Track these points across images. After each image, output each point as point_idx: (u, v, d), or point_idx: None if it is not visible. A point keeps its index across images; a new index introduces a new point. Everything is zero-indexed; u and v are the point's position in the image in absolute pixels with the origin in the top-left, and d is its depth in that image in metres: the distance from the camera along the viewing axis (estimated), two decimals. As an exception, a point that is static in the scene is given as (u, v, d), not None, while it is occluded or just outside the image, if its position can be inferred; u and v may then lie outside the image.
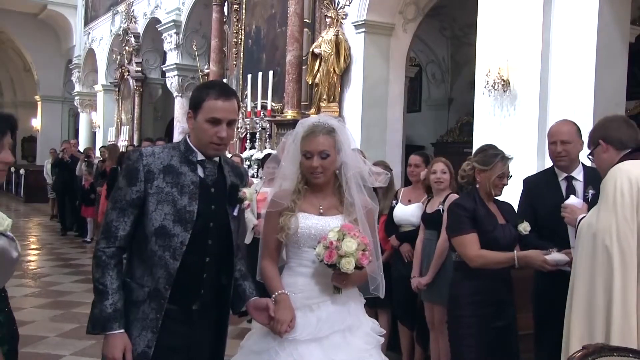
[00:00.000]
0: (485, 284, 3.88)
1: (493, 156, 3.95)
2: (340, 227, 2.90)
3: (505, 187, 3.99)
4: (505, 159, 3.95)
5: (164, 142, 10.66)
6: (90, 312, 2.70)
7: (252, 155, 10.73)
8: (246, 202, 2.90)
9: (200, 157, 2.80)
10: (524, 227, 3.99)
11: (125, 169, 2.74)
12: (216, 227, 2.82)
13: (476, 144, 7.13)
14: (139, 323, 2.69)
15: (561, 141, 4.13)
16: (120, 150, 14.21)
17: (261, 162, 8.75)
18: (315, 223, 3.01)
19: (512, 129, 6.70)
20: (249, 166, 10.66)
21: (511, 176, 4.01)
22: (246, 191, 2.90)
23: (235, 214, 2.89)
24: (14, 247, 2.49)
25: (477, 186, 4.02)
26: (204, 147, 2.79)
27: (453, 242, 4.04)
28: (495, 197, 4.07)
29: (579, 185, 4.15)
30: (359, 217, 3.05)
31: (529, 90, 6.58)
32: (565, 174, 4.18)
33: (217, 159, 2.87)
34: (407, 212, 5.59)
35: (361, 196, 3.08)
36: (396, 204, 5.69)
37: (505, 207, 4.11)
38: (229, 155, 9.40)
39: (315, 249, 2.93)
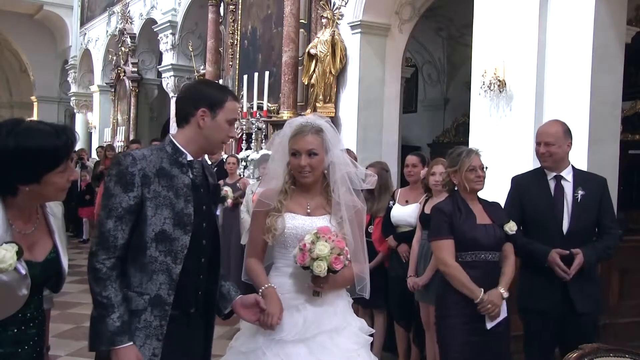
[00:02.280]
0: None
1: (458, 154, 4.05)
2: (317, 230, 2.91)
3: (483, 178, 4.01)
4: (470, 153, 4.03)
5: (159, 143, 10.63)
6: (92, 326, 2.58)
7: (248, 156, 10.73)
8: (229, 201, 2.91)
9: (189, 157, 2.76)
10: (510, 227, 4.01)
11: (118, 174, 2.62)
12: (208, 227, 2.81)
13: (472, 145, 7.13)
14: (141, 332, 2.61)
15: (545, 142, 4.16)
16: (116, 150, 14.21)
17: (258, 163, 8.74)
18: (302, 223, 3.01)
19: (508, 130, 6.70)
20: (245, 167, 10.65)
21: (487, 167, 4.06)
22: (227, 190, 2.91)
23: (217, 213, 2.89)
24: (24, 285, 2.26)
25: (456, 189, 4.08)
26: (213, 146, 2.80)
27: (431, 245, 4.16)
28: (481, 197, 4.12)
29: (567, 185, 4.16)
30: (345, 218, 3.06)
31: (525, 90, 6.58)
32: (554, 173, 4.19)
33: (200, 159, 2.85)
34: (404, 212, 5.58)
35: (349, 196, 3.08)
36: (393, 204, 5.69)
37: (492, 207, 4.13)
38: (224, 156, 9.42)
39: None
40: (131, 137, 16.70)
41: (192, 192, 2.73)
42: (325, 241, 2.84)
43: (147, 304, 2.62)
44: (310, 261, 2.83)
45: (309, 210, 3.05)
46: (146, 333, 2.61)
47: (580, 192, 4.12)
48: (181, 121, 2.78)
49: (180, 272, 2.66)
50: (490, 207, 4.11)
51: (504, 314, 3.91)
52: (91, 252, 2.62)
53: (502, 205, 4.29)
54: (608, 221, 4.21)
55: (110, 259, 2.59)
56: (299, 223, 3.01)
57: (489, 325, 3.86)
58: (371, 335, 3.16)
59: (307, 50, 9.85)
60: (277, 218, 3.01)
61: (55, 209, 2.52)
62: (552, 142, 4.14)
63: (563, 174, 4.19)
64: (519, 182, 4.40)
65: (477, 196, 4.11)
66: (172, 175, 2.69)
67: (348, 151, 7.04)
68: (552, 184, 4.19)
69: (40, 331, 2.47)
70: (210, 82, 3.07)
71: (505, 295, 3.90)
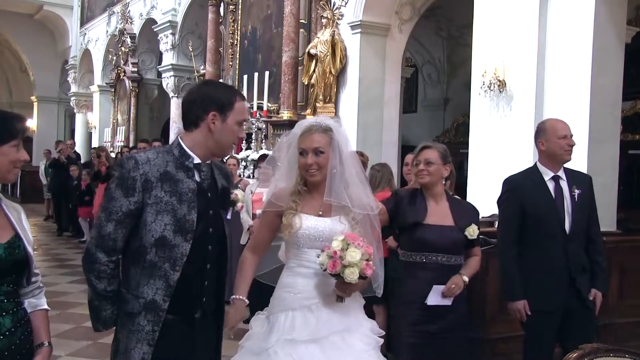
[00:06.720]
0: (419, 286, 3.79)
1: None
2: (345, 236, 2.87)
3: (425, 173, 3.83)
4: (415, 148, 3.99)
5: (160, 143, 10.66)
6: (97, 314, 2.74)
7: (248, 156, 10.73)
8: (239, 204, 2.87)
9: (196, 160, 2.73)
10: (470, 232, 3.83)
11: (120, 177, 2.63)
12: (215, 233, 2.78)
13: (472, 145, 7.14)
14: (133, 335, 2.63)
15: (571, 135, 4.17)
16: (116, 150, 14.23)
17: (257, 163, 8.74)
18: (315, 224, 3.00)
19: (508, 130, 6.70)
20: (245, 167, 10.65)
21: (430, 161, 3.82)
22: (238, 193, 2.87)
23: (228, 217, 2.85)
24: None
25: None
26: (224, 148, 2.80)
27: None
28: (452, 196, 4.04)
29: (564, 185, 4.15)
30: (359, 217, 3.04)
31: (525, 91, 6.58)
32: (552, 173, 4.17)
33: (208, 161, 2.82)
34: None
35: (364, 198, 3.06)
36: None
37: (461, 208, 3.98)
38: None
39: (314, 249, 2.95)
40: (131, 138, 16.74)
41: (198, 196, 2.69)
42: (356, 247, 2.81)
43: (142, 307, 2.63)
44: (341, 268, 2.78)
45: (320, 212, 3.04)
46: (138, 337, 2.63)
47: (576, 191, 4.13)
48: (190, 125, 2.75)
49: (182, 279, 2.63)
50: (459, 208, 3.96)
51: (448, 301, 3.75)
52: (90, 252, 2.66)
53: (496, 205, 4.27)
54: (595, 227, 4.25)
55: (112, 261, 2.66)
56: (312, 224, 3.00)
57: (429, 301, 3.73)
58: (382, 337, 3.13)
59: (307, 50, 9.85)
60: (294, 216, 3.00)
61: (15, 205, 2.58)
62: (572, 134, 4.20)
63: (559, 173, 4.19)
64: (515, 184, 4.29)
65: (447, 194, 3.97)
66: (177, 179, 2.66)
67: (360, 154, 7.10)
68: (550, 185, 4.16)
69: (19, 326, 2.46)
70: (216, 82, 3.03)
71: (466, 279, 3.78)
